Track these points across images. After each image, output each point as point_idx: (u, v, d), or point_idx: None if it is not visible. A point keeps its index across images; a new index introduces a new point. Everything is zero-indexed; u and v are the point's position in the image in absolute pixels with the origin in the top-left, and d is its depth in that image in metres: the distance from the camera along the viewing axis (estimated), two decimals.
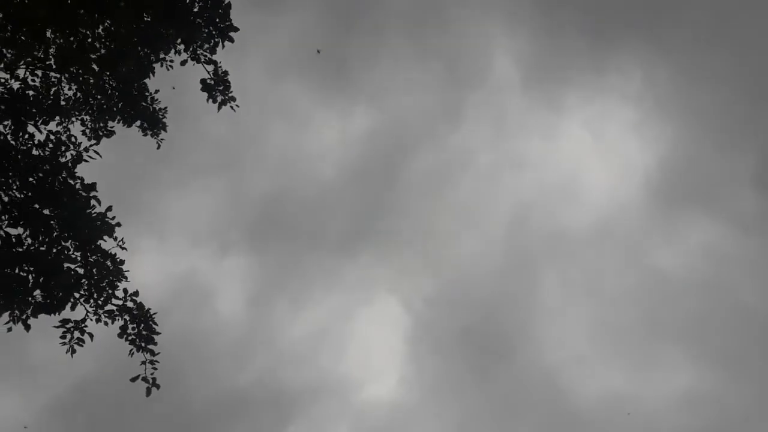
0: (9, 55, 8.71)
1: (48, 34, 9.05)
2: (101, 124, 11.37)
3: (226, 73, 10.26)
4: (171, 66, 10.66)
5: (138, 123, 11.39)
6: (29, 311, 8.58)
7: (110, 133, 11.49)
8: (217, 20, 9.58)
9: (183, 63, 10.29)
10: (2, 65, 8.77)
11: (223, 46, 9.88)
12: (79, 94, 11.20)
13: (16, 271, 8.56)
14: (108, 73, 10.54)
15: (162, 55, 10.49)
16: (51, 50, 9.49)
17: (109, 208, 8.86)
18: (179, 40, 10.56)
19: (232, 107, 10.37)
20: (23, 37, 8.34)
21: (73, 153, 9.56)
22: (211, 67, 10.19)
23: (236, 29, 9.72)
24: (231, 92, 10.32)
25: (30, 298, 8.44)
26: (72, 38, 9.37)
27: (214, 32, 9.71)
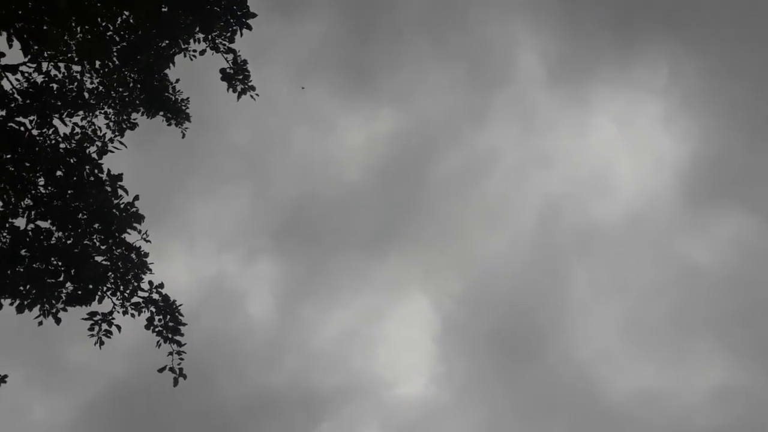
0: (35, 48, 9.10)
1: (72, 24, 9.40)
2: (124, 117, 11.78)
3: (245, 62, 10.47)
4: (194, 56, 10.92)
5: (161, 114, 11.74)
6: (60, 304, 9.05)
7: (134, 126, 11.89)
8: (235, 7, 9.76)
9: (202, 52, 10.54)
10: (28, 57, 9.17)
11: (242, 34, 10.07)
12: (101, 87, 11.63)
13: (46, 264, 9.02)
14: (129, 65, 10.88)
15: (183, 45, 10.74)
16: (73, 43, 9.85)
17: (136, 198, 9.22)
18: (197, 29, 10.80)
19: (252, 96, 10.57)
20: (49, 28, 8.70)
21: (99, 145, 9.96)
22: (230, 57, 10.41)
23: (254, 15, 9.88)
24: (251, 81, 10.53)
25: (61, 291, 8.90)
26: (92, 31, 9.70)
27: (231, 20, 9.90)
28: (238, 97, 10.56)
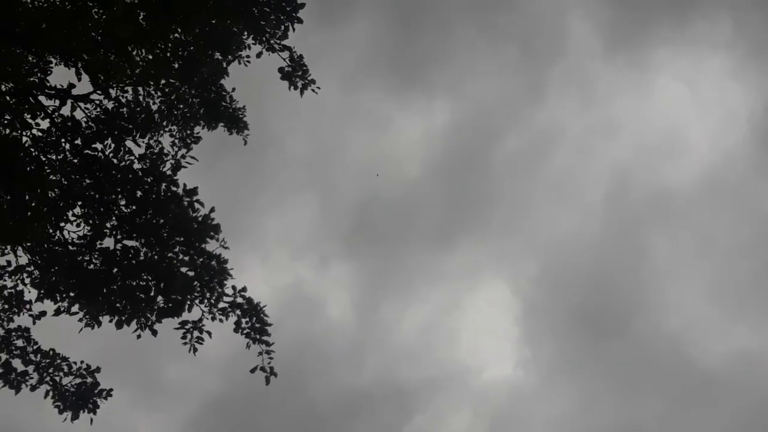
0: (101, 78, 9.79)
1: (131, 50, 10.04)
2: (188, 132, 12.41)
3: (301, 57, 10.78)
4: (248, 62, 11.37)
5: (221, 125, 12.29)
6: (154, 317, 9.67)
7: (197, 139, 12.51)
8: (284, 3, 10.09)
9: (258, 55, 10.95)
10: (97, 88, 9.87)
11: (294, 29, 10.38)
12: (163, 106, 12.31)
13: (137, 281, 9.67)
14: (188, 82, 11.45)
15: (236, 54, 11.21)
16: (137, 68, 10.49)
17: (212, 210, 9.73)
18: (246, 34, 11.24)
19: (313, 90, 10.88)
20: (113, 58, 9.34)
21: (172, 162, 10.58)
22: (286, 55, 10.75)
23: (302, 6, 10.15)
24: (310, 76, 10.83)
25: (154, 304, 9.51)
26: (153, 53, 10.31)
27: (282, 17, 10.24)
28: (301, 93, 10.89)
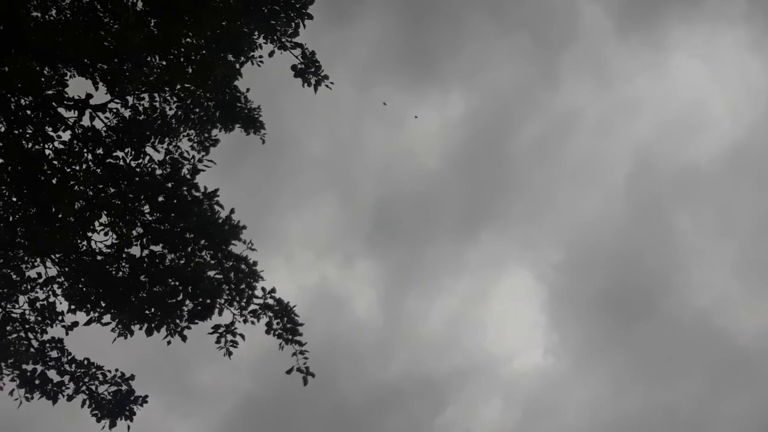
0: (117, 87, 9.86)
1: (146, 56, 10.09)
2: (206, 135, 12.47)
3: (313, 53, 10.74)
4: (261, 62, 11.36)
5: (238, 126, 12.33)
6: (183, 322, 9.75)
7: (215, 142, 12.56)
8: (293, 0, 10.04)
9: (271, 54, 10.93)
10: (115, 97, 9.96)
11: (304, 26, 10.34)
12: (179, 111, 12.38)
13: (165, 287, 9.76)
14: (203, 85, 11.49)
15: (249, 54, 11.20)
16: (152, 76, 10.55)
17: (232, 211, 9.75)
18: (257, 34, 11.22)
19: (327, 86, 10.85)
20: (130, 65, 9.40)
21: (189, 167, 10.61)
22: (298, 51, 10.72)
23: (312, 1, 10.10)
24: (323, 72, 10.79)
25: (182, 309, 9.59)
26: (167, 59, 10.35)
27: (292, 14, 10.20)
28: (315, 89, 10.87)
